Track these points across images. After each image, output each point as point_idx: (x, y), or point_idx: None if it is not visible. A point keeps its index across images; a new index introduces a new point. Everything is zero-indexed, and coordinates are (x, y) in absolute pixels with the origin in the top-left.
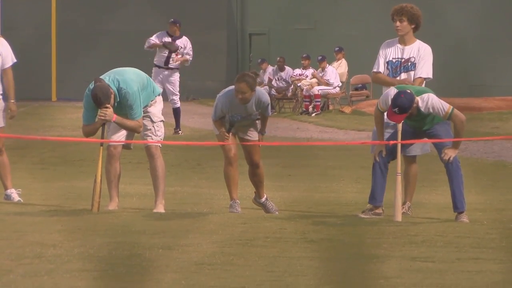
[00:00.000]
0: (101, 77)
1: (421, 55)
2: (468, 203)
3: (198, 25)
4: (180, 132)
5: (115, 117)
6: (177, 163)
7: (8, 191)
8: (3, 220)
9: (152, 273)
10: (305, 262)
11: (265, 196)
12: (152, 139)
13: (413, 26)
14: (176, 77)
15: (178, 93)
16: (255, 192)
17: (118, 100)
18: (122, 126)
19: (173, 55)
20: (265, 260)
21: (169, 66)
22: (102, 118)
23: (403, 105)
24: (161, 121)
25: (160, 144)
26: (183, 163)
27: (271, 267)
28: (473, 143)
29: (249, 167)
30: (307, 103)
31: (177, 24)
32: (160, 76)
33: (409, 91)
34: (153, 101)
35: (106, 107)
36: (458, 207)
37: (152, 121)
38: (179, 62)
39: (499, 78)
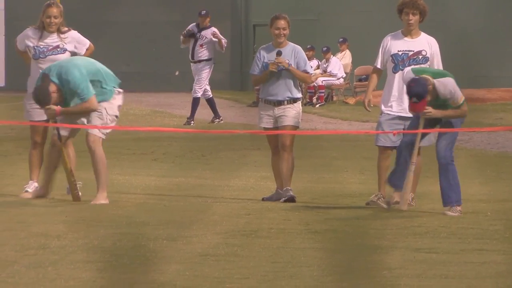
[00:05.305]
0: (46, 71)
1: (434, 50)
2: (472, 194)
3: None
4: (192, 123)
5: (58, 110)
6: (181, 154)
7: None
8: (7, 211)
9: (156, 264)
10: (309, 253)
11: (289, 187)
12: (94, 132)
13: (420, 19)
14: (203, 69)
15: (201, 84)
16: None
17: (65, 89)
18: (73, 114)
19: (198, 46)
20: (269, 251)
21: (194, 59)
22: (48, 118)
23: (418, 92)
24: (115, 116)
25: (103, 136)
26: (187, 154)
27: (275, 258)
28: (477, 134)
29: (280, 153)
30: (311, 94)
31: (209, 16)
32: (193, 69)
33: (417, 77)
34: (114, 93)
35: (47, 108)
36: (445, 201)
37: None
38: (223, 42)
39: (502, 69)
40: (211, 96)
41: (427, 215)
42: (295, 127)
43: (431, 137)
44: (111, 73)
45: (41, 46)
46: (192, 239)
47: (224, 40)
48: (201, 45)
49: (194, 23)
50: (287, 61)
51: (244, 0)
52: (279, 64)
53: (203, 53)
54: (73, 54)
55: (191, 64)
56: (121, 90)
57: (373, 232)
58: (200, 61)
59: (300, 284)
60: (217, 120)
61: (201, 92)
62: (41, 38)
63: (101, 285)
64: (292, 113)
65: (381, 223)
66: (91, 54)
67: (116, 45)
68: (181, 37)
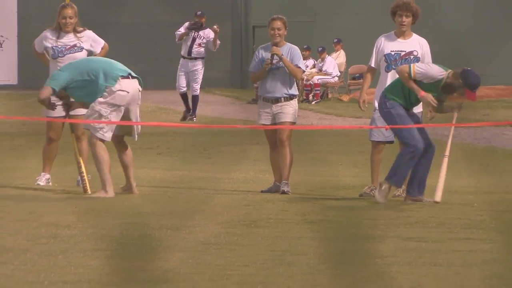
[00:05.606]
0: None
1: (425, 51)
2: (459, 186)
3: (204, 17)
4: (194, 119)
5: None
6: (184, 148)
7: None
8: (20, 203)
9: (160, 252)
10: (306, 242)
11: (285, 181)
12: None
13: (413, 22)
14: (198, 66)
15: (199, 82)
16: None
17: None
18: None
19: (196, 45)
20: (268, 240)
21: (191, 56)
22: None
23: (480, 81)
24: (95, 111)
25: (97, 135)
26: (190, 148)
27: (274, 247)
28: (465, 129)
29: (279, 149)
30: (308, 91)
31: (204, 17)
32: (184, 67)
33: (469, 69)
34: (105, 91)
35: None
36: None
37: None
38: (217, 42)
39: (489, 68)
40: (185, 92)
41: (417, 206)
42: (292, 123)
43: None
44: (113, 71)
45: (59, 46)
46: (195, 228)
47: (218, 42)
48: (199, 44)
49: (189, 22)
50: (281, 53)
51: (244, 2)
52: (274, 54)
53: (200, 51)
54: (90, 52)
55: (185, 60)
56: (114, 89)
57: (366, 222)
58: (196, 58)
59: (297, 272)
60: (194, 118)
61: (199, 90)
62: (58, 38)
63: (109, 272)
64: (289, 110)
65: (374, 213)
66: (106, 53)
67: (122, 45)
68: (179, 31)
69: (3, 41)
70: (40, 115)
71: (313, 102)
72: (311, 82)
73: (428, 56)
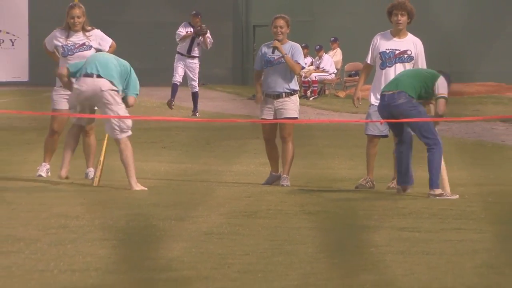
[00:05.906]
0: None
1: (419, 50)
2: (451, 178)
3: (206, 17)
4: (197, 114)
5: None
6: (188, 142)
7: (89, 169)
8: (31, 194)
9: (165, 242)
10: (304, 232)
11: (285, 175)
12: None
13: (408, 21)
14: (196, 64)
15: (197, 79)
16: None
17: None
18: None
19: (195, 44)
20: (268, 230)
21: (191, 54)
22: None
23: None
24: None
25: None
26: (193, 142)
27: (273, 237)
28: (456, 124)
29: (281, 145)
30: (306, 88)
31: (199, 16)
32: (182, 62)
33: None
34: None
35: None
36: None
37: None
38: (207, 41)
39: (479, 65)
40: (178, 84)
41: (410, 197)
42: (294, 119)
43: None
44: (84, 67)
45: (69, 45)
46: (198, 219)
47: (209, 40)
48: (198, 43)
49: (186, 22)
50: (284, 50)
51: (244, 2)
52: (275, 47)
53: (198, 50)
54: (98, 50)
55: (183, 56)
56: (73, 85)
57: (362, 213)
58: (194, 57)
59: (295, 260)
60: (196, 113)
61: (197, 86)
62: (68, 37)
63: (115, 261)
64: (290, 106)
65: (369, 204)
66: (113, 51)
67: (127, 44)
68: (181, 32)
69: (15, 39)
70: (49, 111)
71: (311, 98)
72: (309, 79)
73: (421, 55)
